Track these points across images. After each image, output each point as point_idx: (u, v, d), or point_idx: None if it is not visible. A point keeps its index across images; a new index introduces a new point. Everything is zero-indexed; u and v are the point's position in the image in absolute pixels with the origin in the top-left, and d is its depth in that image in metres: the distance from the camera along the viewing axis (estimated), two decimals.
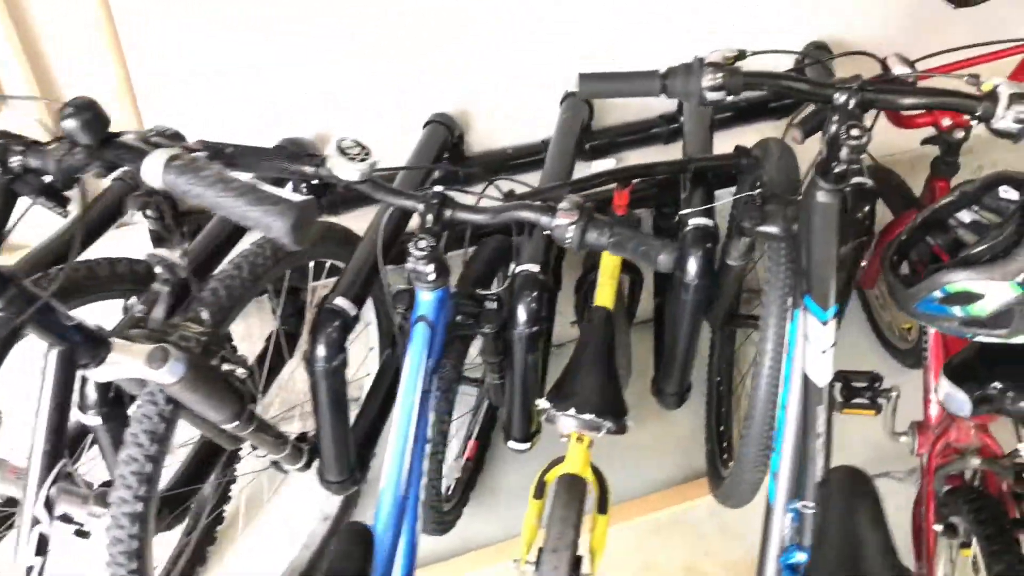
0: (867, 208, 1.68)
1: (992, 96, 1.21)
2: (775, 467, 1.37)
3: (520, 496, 2.11)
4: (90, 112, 0.86)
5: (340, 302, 1.48)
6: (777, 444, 1.38)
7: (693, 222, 1.62)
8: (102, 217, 1.60)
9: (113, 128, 0.96)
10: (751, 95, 1.85)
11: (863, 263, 2.09)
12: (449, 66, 1.96)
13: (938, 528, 1.61)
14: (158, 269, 1.27)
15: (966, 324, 1.32)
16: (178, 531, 1.86)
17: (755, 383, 1.59)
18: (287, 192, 0.83)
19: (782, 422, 1.37)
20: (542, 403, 1.51)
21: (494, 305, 1.63)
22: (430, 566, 1.99)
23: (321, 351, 1.46)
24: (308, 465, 1.65)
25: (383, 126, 1.98)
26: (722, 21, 2.14)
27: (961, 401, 1.45)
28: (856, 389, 1.76)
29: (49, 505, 1.12)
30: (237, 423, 1.38)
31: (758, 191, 1.59)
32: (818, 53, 2.18)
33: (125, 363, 1.18)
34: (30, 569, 1.11)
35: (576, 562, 1.53)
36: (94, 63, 1.53)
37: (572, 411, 1.46)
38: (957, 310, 1.31)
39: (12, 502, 1.56)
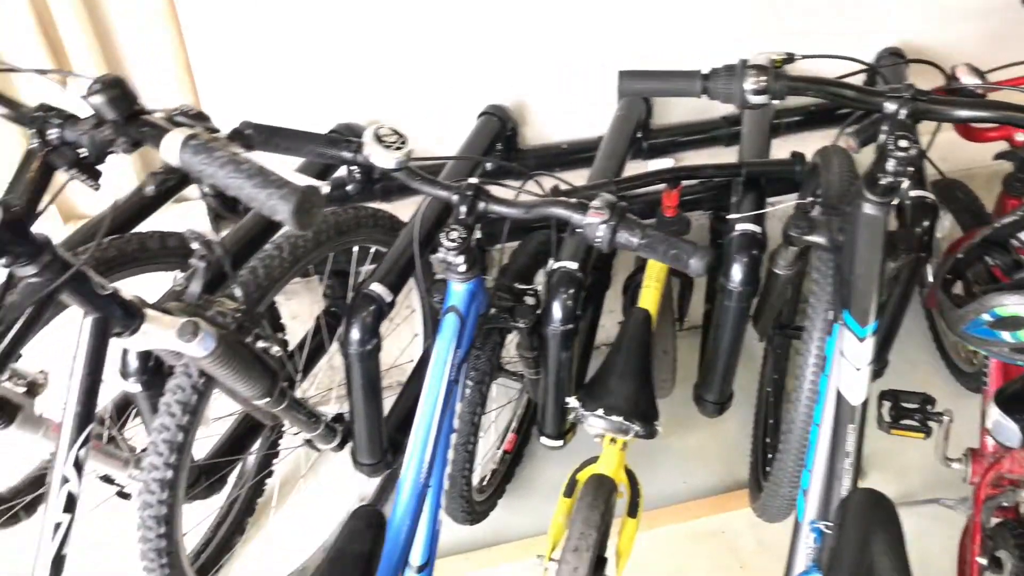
0: (927, 223, 1.60)
1: None
2: (805, 484, 1.33)
3: (557, 493, 2.11)
4: (117, 89, 0.89)
5: (376, 288, 1.49)
6: (808, 461, 1.33)
7: (740, 227, 1.58)
8: (160, 192, 1.66)
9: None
10: (817, 100, 1.81)
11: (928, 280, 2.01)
12: (507, 57, 1.96)
13: (982, 561, 1.54)
14: (194, 245, 1.30)
15: (1016, 351, 1.25)
16: (219, 500, 1.92)
17: (794, 397, 1.54)
18: (299, 177, 0.84)
19: (814, 439, 1.32)
20: (572, 402, 1.50)
21: (532, 300, 1.63)
22: (457, 555, 2.00)
23: (355, 335, 1.48)
24: (341, 446, 1.68)
25: (437, 115, 1.99)
26: (795, 23, 2.08)
27: (1011, 431, 1.38)
28: (906, 410, 1.69)
29: (78, 465, 1.16)
30: (268, 400, 1.41)
31: (809, 199, 1.54)
32: (892, 60, 2.10)
33: (157, 335, 1.22)
34: (58, 525, 1.16)
35: (600, 563, 1.52)
36: (157, 46, 1.59)
37: (600, 412, 1.44)
38: (1007, 335, 1.24)
39: None
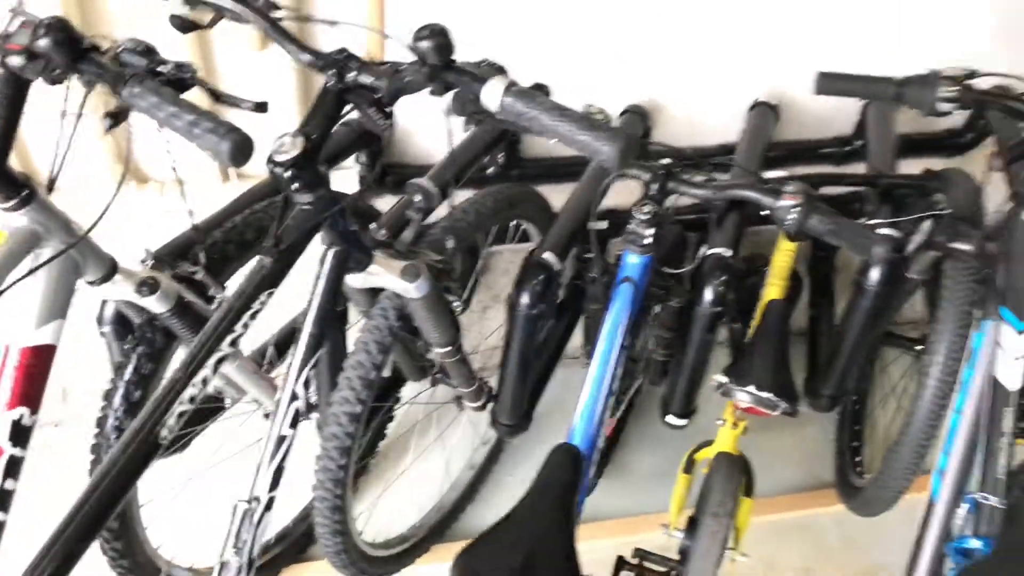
0: None
1: None
2: (943, 466, 1.45)
3: (648, 478, 2.21)
4: (443, 37, 1.00)
5: (548, 256, 1.60)
6: (948, 446, 1.45)
7: (883, 232, 1.69)
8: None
9: None
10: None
11: None
12: (649, 59, 2.06)
13: None
14: (416, 197, 1.41)
15: None
16: None
17: (920, 392, 1.65)
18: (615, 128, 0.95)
19: (955, 425, 1.44)
20: (719, 378, 1.60)
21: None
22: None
23: (525, 299, 1.59)
24: (484, 407, 1.78)
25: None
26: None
27: None
28: None
29: (307, 384, 1.25)
30: (449, 349, 1.52)
31: (947, 211, 1.66)
32: None
33: (381, 275, 1.33)
34: (282, 439, 1.25)
35: None
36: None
37: (752, 388, 1.55)
38: None
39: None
